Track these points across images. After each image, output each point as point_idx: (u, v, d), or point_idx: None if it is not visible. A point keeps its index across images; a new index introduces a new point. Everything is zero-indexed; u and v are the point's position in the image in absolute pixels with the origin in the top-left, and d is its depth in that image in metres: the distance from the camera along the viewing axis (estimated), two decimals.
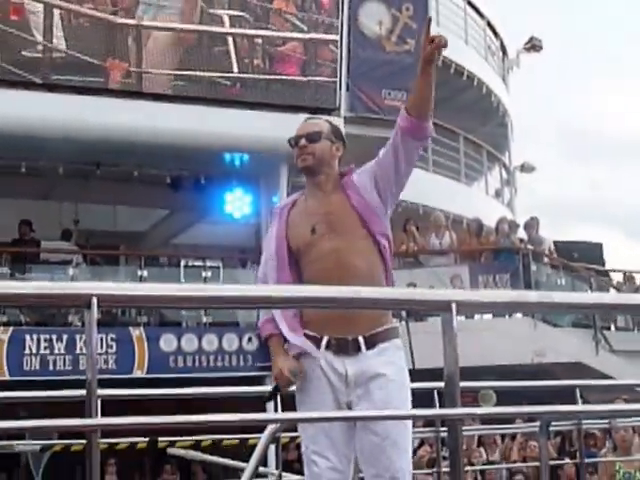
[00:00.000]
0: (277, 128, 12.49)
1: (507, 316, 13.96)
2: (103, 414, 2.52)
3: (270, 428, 4.65)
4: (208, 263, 13.87)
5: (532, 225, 14.83)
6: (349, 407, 3.51)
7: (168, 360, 12.45)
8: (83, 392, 2.28)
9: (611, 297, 3.40)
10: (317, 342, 3.54)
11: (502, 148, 21.37)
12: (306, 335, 3.55)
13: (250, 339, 12.82)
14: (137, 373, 12.16)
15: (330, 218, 3.63)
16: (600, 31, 64.84)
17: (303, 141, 3.68)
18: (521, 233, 14.89)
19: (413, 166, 3.69)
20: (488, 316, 14.03)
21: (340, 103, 13.46)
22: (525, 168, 21.28)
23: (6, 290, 2.29)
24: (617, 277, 16.77)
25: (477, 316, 13.98)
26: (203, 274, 13.76)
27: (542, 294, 2.92)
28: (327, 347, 3.54)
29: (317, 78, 13.40)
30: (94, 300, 2.27)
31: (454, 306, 2.69)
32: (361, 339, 3.53)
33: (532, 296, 3.02)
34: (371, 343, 3.54)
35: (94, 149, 12.51)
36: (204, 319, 13.35)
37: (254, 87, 13.14)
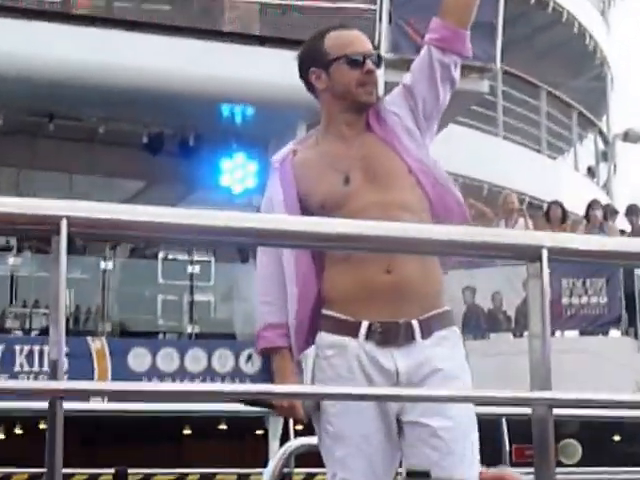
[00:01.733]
0: (294, 72, 12.75)
1: (600, 334, 13.93)
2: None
3: (277, 458, 4.70)
4: (196, 256, 13.99)
5: (637, 212, 14.78)
6: (398, 419, 3.49)
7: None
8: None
9: None
10: (352, 329, 3.52)
11: (599, 109, 21.45)
12: (334, 319, 3.54)
13: (250, 357, 12.92)
14: (95, 400, 12.22)
15: (369, 163, 3.66)
16: None
17: (370, 63, 3.71)
18: (622, 223, 14.83)
19: (452, 90, 3.79)
20: (573, 334, 14.00)
21: (380, 41, 13.47)
22: (629, 137, 21.10)
23: None
24: None
25: (557, 333, 13.99)
26: (189, 269, 13.97)
27: None
28: (368, 335, 3.51)
29: (350, 5, 13.56)
30: (64, 223, 2.27)
31: (545, 253, 2.69)
32: (415, 323, 3.53)
33: None
34: (427, 329, 3.54)
35: (46, 95, 12.55)
36: (189, 328, 13.46)
37: (262, 13, 13.37)
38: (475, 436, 3.51)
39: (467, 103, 14.79)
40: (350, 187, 3.62)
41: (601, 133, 21.40)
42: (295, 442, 5.59)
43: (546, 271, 2.71)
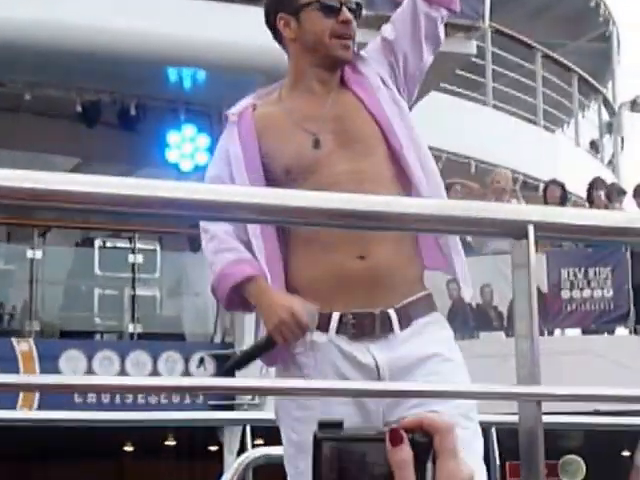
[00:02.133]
0: (252, 28, 12.58)
1: (606, 333, 13.84)
2: None
3: (232, 471, 4.75)
4: (139, 244, 14.00)
5: None
6: (384, 418, 3.48)
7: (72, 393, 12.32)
8: None
9: None
10: (321, 322, 3.51)
11: (603, 75, 21.84)
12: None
13: (202, 361, 12.95)
14: (21, 411, 12.06)
15: (342, 126, 3.68)
16: None
17: (347, 11, 3.70)
18: (630, 205, 14.80)
19: (436, 51, 3.84)
20: (574, 332, 13.98)
21: None
22: (639, 105, 21.22)
23: None
24: None
25: (557, 332, 13.99)
26: (130, 259, 13.94)
27: None
28: (339, 329, 3.53)
29: None
30: None
31: (531, 229, 2.70)
32: (392, 313, 3.54)
33: None
34: (406, 318, 3.56)
35: None
36: (130, 327, 13.40)
37: None
38: (474, 429, 3.53)
39: (452, 66, 14.83)
40: (320, 151, 3.64)
41: (606, 102, 21.51)
42: (253, 452, 5.60)
43: (532, 249, 2.75)
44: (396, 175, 3.65)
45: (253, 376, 3.67)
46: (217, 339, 13.56)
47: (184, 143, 14.35)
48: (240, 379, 3.44)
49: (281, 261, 3.61)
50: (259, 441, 9.94)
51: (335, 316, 3.51)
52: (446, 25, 3.80)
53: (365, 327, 3.52)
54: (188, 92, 13.82)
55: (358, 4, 3.74)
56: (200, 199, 2.69)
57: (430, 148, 3.80)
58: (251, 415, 9.45)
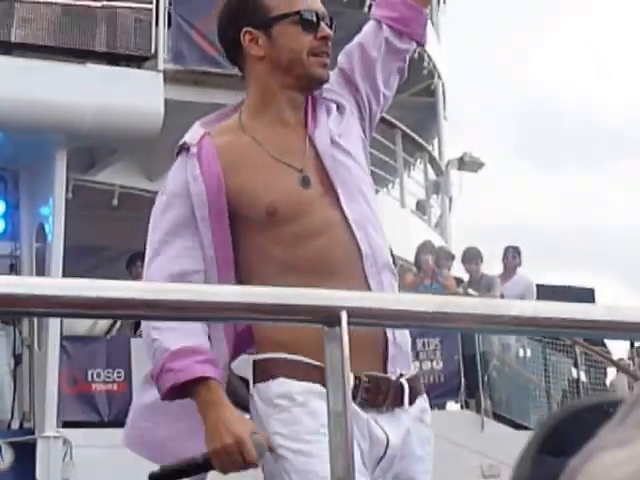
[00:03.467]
0: (50, 87, 12.62)
1: (436, 408, 13.86)
2: None
3: None
4: None
5: (472, 258, 14.99)
6: None
7: None
8: None
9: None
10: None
11: (429, 131, 21.91)
12: (300, 363, 3.36)
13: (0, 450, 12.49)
14: None
15: (326, 163, 3.54)
16: None
17: (326, 27, 3.60)
18: (459, 270, 14.81)
19: (395, 87, 3.79)
20: None
21: (157, 48, 13.51)
22: (466, 164, 21.52)
23: None
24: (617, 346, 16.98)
25: None
26: None
27: (497, 302, 2.77)
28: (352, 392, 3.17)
29: (120, 4, 13.68)
30: None
31: (344, 316, 2.61)
32: (405, 383, 3.41)
33: (477, 304, 2.94)
34: (414, 393, 3.46)
35: None
36: None
37: (8, 18, 13.16)
38: None
39: None
40: (310, 191, 3.51)
41: (432, 159, 21.51)
42: None
43: (346, 337, 2.63)
44: (375, 214, 3.58)
45: None
46: (15, 425, 13.31)
47: None
48: None
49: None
50: None
51: (351, 377, 3.11)
52: None
53: (380, 395, 3.37)
54: None
55: (332, 19, 3.64)
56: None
57: None
58: None
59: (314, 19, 3.56)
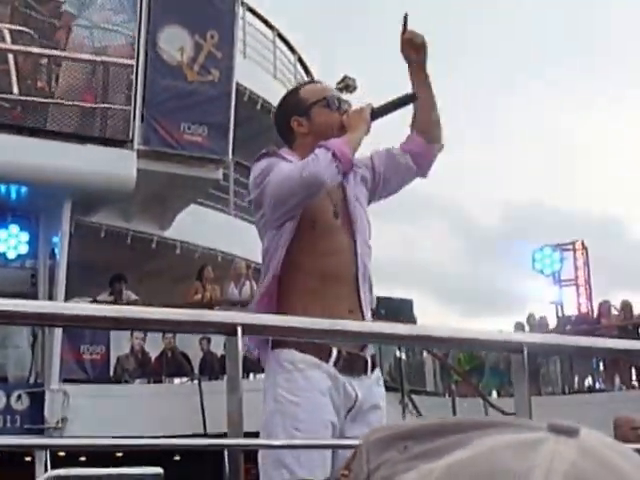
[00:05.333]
0: (61, 159, 12.73)
1: None
2: None
3: None
4: None
5: None
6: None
7: None
8: None
9: (413, 329, 3.58)
10: (324, 353, 3.30)
11: None
12: (308, 342, 3.28)
13: (19, 397, 12.74)
14: None
15: (349, 207, 3.47)
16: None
17: (346, 106, 3.54)
18: None
19: (396, 189, 3.70)
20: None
21: (134, 135, 13.50)
22: None
23: None
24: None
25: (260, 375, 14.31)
26: None
27: (339, 322, 3.01)
28: (335, 362, 3.31)
29: (109, 105, 13.52)
30: None
31: (240, 330, 2.69)
32: (369, 358, 3.38)
33: (326, 323, 2.95)
34: (372, 366, 3.40)
35: None
36: None
37: (36, 111, 13.05)
38: None
39: (206, 187, 15.20)
40: (338, 221, 3.42)
41: None
42: (51, 473, 5.24)
43: (240, 342, 2.72)
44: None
45: None
46: (31, 381, 13.33)
47: (10, 238, 14.11)
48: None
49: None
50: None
51: (335, 350, 3.28)
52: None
53: (354, 365, 3.32)
54: (13, 201, 13.65)
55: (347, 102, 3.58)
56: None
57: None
58: (53, 441, 9.16)
59: (336, 101, 3.49)
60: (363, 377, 3.35)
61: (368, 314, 3.41)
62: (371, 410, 3.35)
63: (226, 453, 2.77)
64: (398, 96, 3.44)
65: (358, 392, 3.31)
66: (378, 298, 15.36)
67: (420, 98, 3.48)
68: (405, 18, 3.50)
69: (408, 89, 3.56)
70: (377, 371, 3.45)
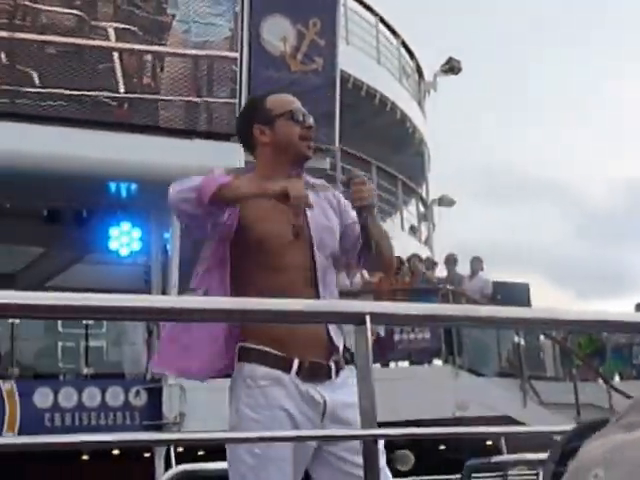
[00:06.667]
0: (168, 154, 12.71)
1: (426, 363, 14.20)
2: None
3: None
4: None
5: (450, 262, 15.24)
6: (317, 450, 3.34)
7: (43, 418, 12.29)
8: None
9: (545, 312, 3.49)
10: (285, 365, 3.33)
11: (418, 180, 21.78)
12: (266, 353, 3.31)
13: (138, 393, 12.86)
14: (8, 434, 11.80)
15: (313, 224, 3.48)
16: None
17: (311, 119, 3.54)
18: (443, 271, 15.18)
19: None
20: (404, 364, 14.24)
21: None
22: (443, 201, 21.66)
23: None
24: None
25: (392, 364, 14.21)
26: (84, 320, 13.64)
27: (467, 307, 3.00)
28: (298, 372, 3.34)
29: (214, 99, 13.49)
30: None
31: (368, 319, 2.71)
32: (332, 364, 3.41)
33: (452, 309, 2.93)
34: (337, 369, 3.43)
35: None
36: (85, 370, 13.28)
37: (142, 108, 13.13)
38: None
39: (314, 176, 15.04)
40: (299, 241, 3.44)
41: (421, 199, 21.82)
42: (177, 468, 5.15)
43: (369, 332, 2.73)
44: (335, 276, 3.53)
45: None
46: (148, 376, 13.30)
47: (122, 236, 14.29)
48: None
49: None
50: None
51: (296, 361, 3.31)
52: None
53: (318, 372, 3.34)
54: (124, 199, 13.71)
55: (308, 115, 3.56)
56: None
57: None
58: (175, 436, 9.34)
59: (301, 116, 3.50)
60: (328, 382, 3.38)
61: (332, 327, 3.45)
62: (345, 408, 3.33)
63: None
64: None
65: (325, 396, 3.33)
66: (493, 283, 15.20)
67: (366, 253, 3.52)
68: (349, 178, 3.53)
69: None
70: (346, 370, 3.43)
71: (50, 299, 2.54)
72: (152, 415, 12.80)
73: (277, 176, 3.43)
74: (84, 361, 13.59)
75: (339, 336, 3.47)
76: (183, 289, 13.19)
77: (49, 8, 12.74)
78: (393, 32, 20.04)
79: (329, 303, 3.26)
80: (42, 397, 12.36)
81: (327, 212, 3.57)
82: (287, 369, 3.32)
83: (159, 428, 12.63)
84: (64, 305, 2.55)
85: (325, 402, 3.34)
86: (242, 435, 3.25)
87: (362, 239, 3.53)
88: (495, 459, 6.25)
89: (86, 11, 12.86)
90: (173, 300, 3.20)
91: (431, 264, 15.42)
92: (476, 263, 15.28)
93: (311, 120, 3.55)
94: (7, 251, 15.78)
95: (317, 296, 3.39)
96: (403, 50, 20.79)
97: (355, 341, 2.81)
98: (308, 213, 3.47)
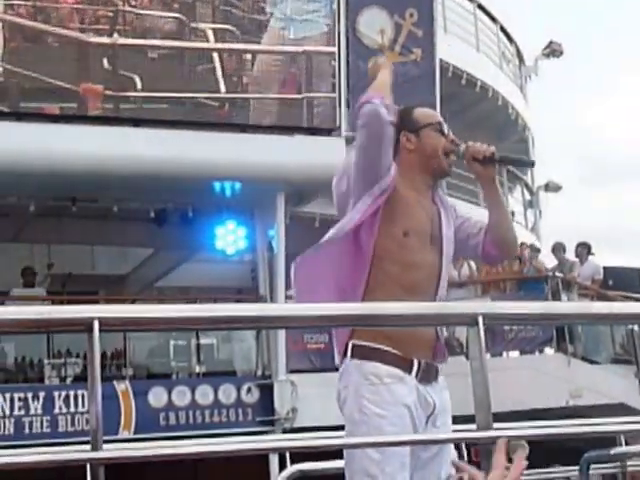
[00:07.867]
0: (271, 152, 12.84)
1: (537, 352, 14.04)
2: None
3: None
4: None
5: (558, 249, 15.01)
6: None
7: (158, 417, 12.49)
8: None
9: None
10: (406, 365, 3.39)
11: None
12: (390, 354, 3.37)
13: (249, 390, 12.98)
14: (124, 434, 12.08)
15: (440, 230, 3.56)
16: (628, 31, 65.42)
17: (451, 134, 3.64)
18: (550, 258, 14.99)
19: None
20: (515, 353, 14.08)
21: (340, 122, 13.48)
22: (550, 187, 21.42)
23: (4, 316, 2.35)
24: None
25: (503, 354, 14.07)
26: None
27: (579, 305, 2.95)
28: (417, 373, 3.40)
29: (314, 95, 13.55)
30: (95, 324, 2.31)
31: (481, 319, 2.74)
32: (439, 365, 3.48)
33: (565, 307, 2.92)
34: (439, 372, 3.51)
35: (69, 183, 12.52)
36: (197, 369, 13.44)
37: (244, 108, 13.27)
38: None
39: None
40: (433, 241, 3.52)
41: (527, 185, 21.55)
42: (291, 469, 5.11)
43: (482, 333, 2.76)
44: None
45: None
46: (259, 373, 13.54)
47: (228, 234, 14.37)
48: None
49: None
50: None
51: (415, 362, 3.37)
52: None
53: (430, 374, 3.40)
54: (229, 198, 13.80)
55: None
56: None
57: None
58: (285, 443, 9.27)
59: (445, 129, 3.58)
60: (434, 384, 3.45)
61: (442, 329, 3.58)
62: (442, 413, 3.43)
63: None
64: (520, 157, 3.48)
65: (435, 399, 3.41)
66: (604, 268, 14.90)
67: (493, 218, 3.62)
68: (458, 146, 3.60)
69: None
70: (442, 377, 3.52)
71: (168, 311, 2.63)
72: (264, 411, 12.90)
73: (416, 183, 3.55)
74: (196, 359, 13.73)
75: (443, 336, 3.55)
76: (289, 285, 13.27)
77: (149, 12, 12.97)
78: (491, 17, 19.82)
79: (443, 305, 3.28)
80: (156, 396, 12.57)
81: (450, 224, 3.63)
82: (407, 369, 3.38)
83: (272, 424, 12.75)
84: (180, 317, 2.62)
85: (435, 405, 3.41)
86: (372, 440, 3.25)
87: (487, 207, 3.66)
88: (614, 451, 6.09)
89: (185, 14, 13.09)
90: (291, 308, 3.25)
91: (536, 251, 15.17)
92: (581, 249, 15.05)
93: (452, 135, 3.62)
94: (118, 253, 16.14)
95: (436, 294, 3.47)
96: (502, 35, 20.54)
97: (469, 342, 2.87)
98: (442, 218, 3.57)
